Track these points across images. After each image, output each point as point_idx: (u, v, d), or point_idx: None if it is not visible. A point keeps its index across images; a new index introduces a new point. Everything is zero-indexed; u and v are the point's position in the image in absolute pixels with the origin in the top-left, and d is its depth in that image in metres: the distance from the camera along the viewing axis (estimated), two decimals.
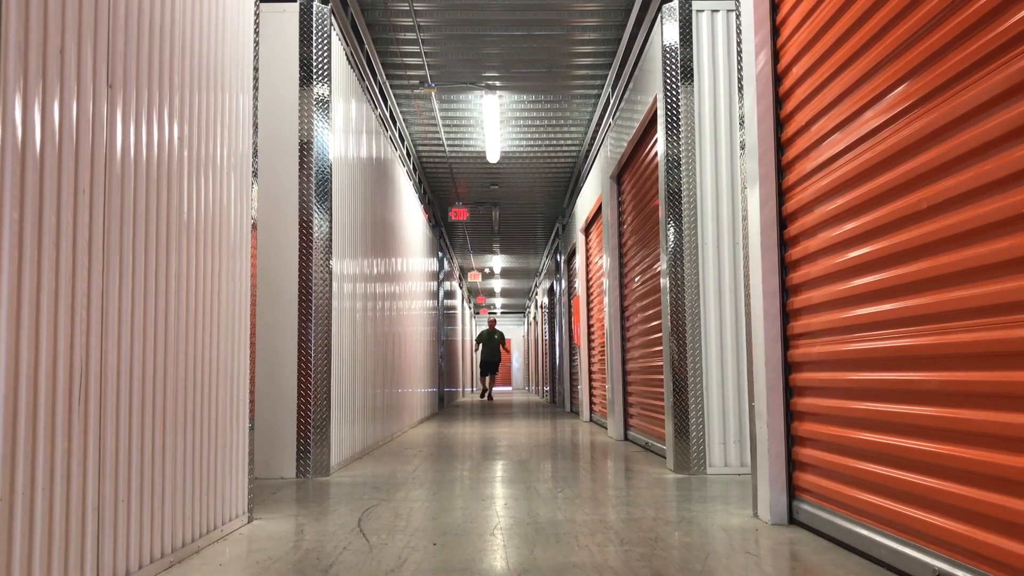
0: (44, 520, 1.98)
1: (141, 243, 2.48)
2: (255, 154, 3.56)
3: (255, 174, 3.55)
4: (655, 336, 6.38)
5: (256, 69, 3.60)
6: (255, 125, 3.57)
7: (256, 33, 3.62)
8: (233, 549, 2.93)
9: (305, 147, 5.10)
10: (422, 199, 11.87)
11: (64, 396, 2.07)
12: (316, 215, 5.08)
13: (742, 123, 3.60)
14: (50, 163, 2.02)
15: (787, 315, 3.36)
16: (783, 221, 3.40)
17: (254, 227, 3.53)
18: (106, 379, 2.27)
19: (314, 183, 5.09)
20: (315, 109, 5.12)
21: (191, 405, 2.86)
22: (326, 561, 2.74)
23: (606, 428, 9.07)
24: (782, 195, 3.40)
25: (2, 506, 1.82)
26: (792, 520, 3.31)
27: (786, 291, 3.37)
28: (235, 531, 3.26)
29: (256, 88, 3.60)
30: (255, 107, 3.58)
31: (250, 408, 3.48)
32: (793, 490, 3.31)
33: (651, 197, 6.38)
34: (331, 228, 5.14)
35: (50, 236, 2.01)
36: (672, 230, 5.13)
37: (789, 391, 3.34)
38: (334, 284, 5.29)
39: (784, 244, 3.39)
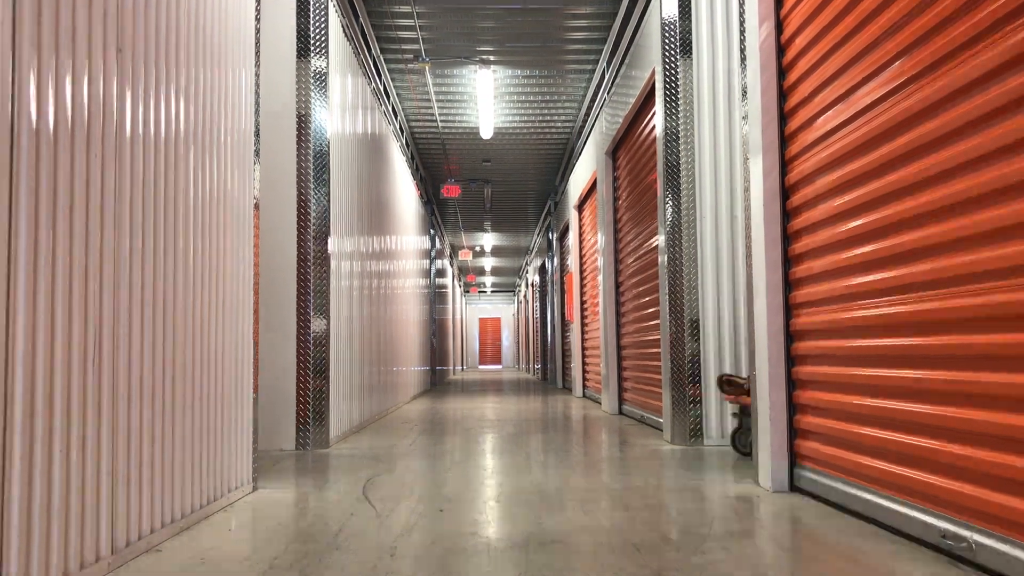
0: (62, 486, 2.00)
1: (151, 222, 2.49)
2: (257, 133, 3.54)
3: (257, 153, 3.54)
4: (651, 311, 6.42)
5: (258, 43, 3.58)
6: (257, 104, 3.55)
7: (258, 10, 3.59)
8: (241, 516, 2.96)
9: (303, 121, 5.08)
10: (414, 175, 11.83)
11: (79, 370, 2.08)
12: (314, 193, 5.06)
13: (744, 94, 3.61)
14: (63, 147, 2.01)
15: (789, 285, 3.39)
16: (786, 192, 3.42)
17: (256, 206, 3.53)
18: (118, 354, 2.28)
19: (312, 160, 5.07)
20: (312, 82, 5.09)
21: (198, 378, 2.87)
22: (334, 526, 2.77)
23: (599, 403, 9.13)
24: (785, 166, 3.42)
25: (22, 473, 1.84)
26: (793, 487, 3.36)
27: (788, 261, 3.40)
28: (241, 499, 3.29)
29: (258, 65, 3.57)
30: (257, 85, 3.56)
31: (254, 381, 3.50)
32: (794, 457, 3.36)
33: (648, 172, 6.38)
34: (328, 206, 5.12)
35: (64, 217, 2.01)
36: (670, 204, 5.14)
37: (791, 360, 3.38)
38: (332, 262, 5.29)
39: (787, 215, 3.41)
